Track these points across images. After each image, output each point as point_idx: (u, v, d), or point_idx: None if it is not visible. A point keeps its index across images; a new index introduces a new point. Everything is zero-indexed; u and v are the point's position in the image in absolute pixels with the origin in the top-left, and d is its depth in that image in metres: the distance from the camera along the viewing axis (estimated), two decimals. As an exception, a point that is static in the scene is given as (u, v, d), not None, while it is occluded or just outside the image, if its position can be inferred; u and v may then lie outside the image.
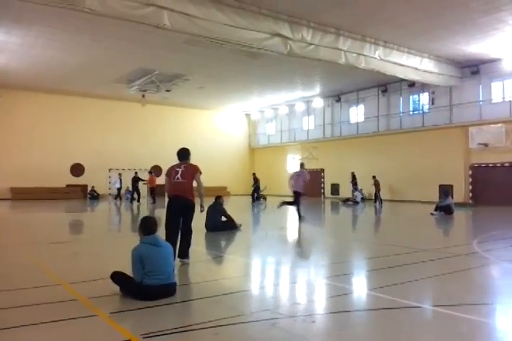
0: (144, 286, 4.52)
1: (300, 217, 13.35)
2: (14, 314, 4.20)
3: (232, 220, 10.75)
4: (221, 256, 7.73)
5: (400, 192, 24.26)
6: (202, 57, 19.20)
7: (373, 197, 22.79)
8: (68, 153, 27.61)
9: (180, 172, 6.51)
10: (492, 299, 4.83)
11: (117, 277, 4.74)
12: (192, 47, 17.25)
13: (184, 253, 6.57)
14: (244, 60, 19.08)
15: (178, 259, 6.31)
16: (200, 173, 6.65)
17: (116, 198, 25.83)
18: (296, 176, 13.79)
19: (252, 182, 26.14)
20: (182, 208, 6.45)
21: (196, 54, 18.68)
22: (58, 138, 27.56)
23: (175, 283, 4.76)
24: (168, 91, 24.71)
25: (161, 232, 5.37)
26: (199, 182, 6.64)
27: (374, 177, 22.90)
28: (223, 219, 10.68)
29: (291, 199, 14.09)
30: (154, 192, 22.72)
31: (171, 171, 6.62)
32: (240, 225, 10.82)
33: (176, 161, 6.82)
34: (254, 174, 26.85)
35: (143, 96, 25.22)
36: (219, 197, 11.07)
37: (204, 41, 13.85)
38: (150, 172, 24.02)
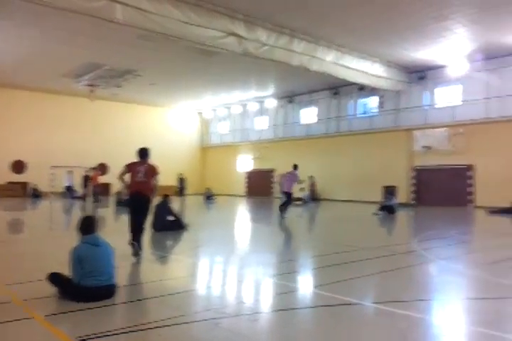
0: (83, 287, 4.37)
1: (282, 217, 13.73)
2: None
3: (180, 220, 10.61)
4: (167, 256, 7.61)
5: (347, 192, 24.88)
6: (155, 53, 18.87)
7: (313, 197, 24.15)
8: (9, 149, 26.31)
9: (143, 172, 6.95)
10: (429, 295, 5.03)
11: (55, 278, 4.55)
12: (145, 42, 16.91)
13: (137, 238, 7.04)
14: (198, 57, 18.91)
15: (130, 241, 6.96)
16: (158, 173, 7.13)
17: (74, 198, 24.40)
18: (288, 176, 14.01)
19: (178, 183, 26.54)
20: (143, 205, 6.98)
21: (149, 50, 18.34)
22: (1, 133, 26.20)
23: (114, 285, 4.62)
24: (118, 86, 24.11)
25: (107, 231, 5.22)
26: (157, 182, 7.13)
27: (311, 177, 24.19)
28: (171, 218, 10.52)
29: (283, 200, 14.23)
30: (97, 190, 21.78)
31: (134, 169, 6.98)
32: (188, 224, 10.69)
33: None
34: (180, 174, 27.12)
35: (92, 91, 24.44)
36: (166, 196, 10.87)
37: (158, 37, 13.64)
38: (94, 169, 22.98)
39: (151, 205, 7.17)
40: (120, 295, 4.63)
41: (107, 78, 22.84)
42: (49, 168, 26.40)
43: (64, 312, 4.07)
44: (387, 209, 15.67)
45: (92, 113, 29.00)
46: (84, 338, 3.38)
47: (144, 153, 7.21)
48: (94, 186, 21.97)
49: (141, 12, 12.04)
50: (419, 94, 22.37)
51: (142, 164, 7.06)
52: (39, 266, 6.18)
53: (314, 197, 24.26)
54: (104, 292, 4.47)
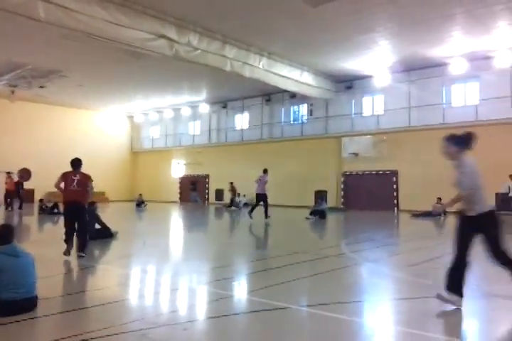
0: (2, 301, 4.04)
1: (267, 216, 15.74)
2: None
3: (107, 228, 10.17)
4: (93, 266, 7.25)
5: (279, 198, 25.23)
6: (81, 53, 18.09)
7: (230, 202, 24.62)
8: None
9: (76, 181, 7.52)
10: (358, 297, 5.17)
11: None
12: (70, 42, 16.14)
13: (82, 247, 7.56)
14: (127, 59, 18.33)
15: (76, 253, 7.48)
16: (92, 181, 7.73)
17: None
18: (260, 180, 16.18)
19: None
20: (76, 212, 7.58)
21: (75, 50, 17.54)
22: None
23: (35, 297, 4.32)
24: (42, 87, 22.87)
25: (31, 241, 4.85)
26: (91, 189, 7.78)
27: (231, 183, 25.09)
28: (97, 226, 10.07)
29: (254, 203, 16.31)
30: (11, 195, 20.26)
31: (67, 178, 7.55)
32: (117, 233, 10.29)
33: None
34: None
35: (12, 92, 22.98)
36: (93, 203, 10.39)
37: (82, 37, 13.06)
38: (8, 173, 21.38)
39: (85, 212, 7.74)
40: (43, 308, 4.33)
41: (29, 78, 21.57)
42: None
43: (-25, 330, 3.74)
44: (319, 214, 16.10)
45: (13, 115, 27.22)
46: (-2, 357, 3.12)
47: (76, 163, 7.73)
48: (9, 191, 20.41)
49: (66, 10, 11.48)
50: (347, 103, 23.28)
51: (75, 174, 7.60)
52: None
53: (233, 202, 24.31)
54: (25, 305, 4.16)
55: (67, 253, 7.47)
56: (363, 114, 23.03)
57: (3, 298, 4.05)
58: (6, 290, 4.08)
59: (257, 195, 16.28)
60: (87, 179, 7.63)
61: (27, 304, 4.20)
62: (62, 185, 7.59)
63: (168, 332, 3.83)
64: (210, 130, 29.87)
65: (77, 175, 7.56)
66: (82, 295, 5.10)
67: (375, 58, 19.10)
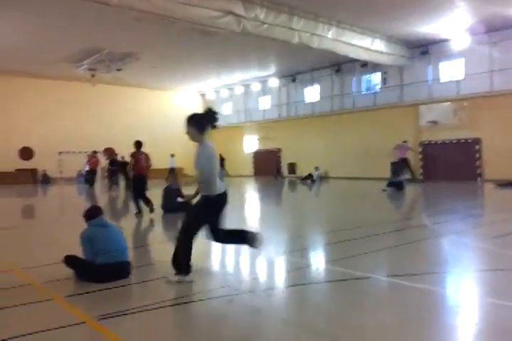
0: (98, 265, 4.45)
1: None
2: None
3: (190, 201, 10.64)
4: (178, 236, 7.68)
5: (354, 170, 24.85)
6: (153, 35, 18.65)
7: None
8: (16, 136, 26.39)
9: (144, 159, 9.94)
10: (441, 268, 5.06)
11: (70, 260, 4.64)
12: (142, 24, 16.68)
13: (151, 206, 10.02)
14: (197, 38, 18.65)
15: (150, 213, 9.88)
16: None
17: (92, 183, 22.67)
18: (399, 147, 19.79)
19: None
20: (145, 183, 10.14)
21: (147, 32, 18.12)
22: (6, 120, 26.27)
23: (128, 262, 4.70)
24: (119, 70, 23.93)
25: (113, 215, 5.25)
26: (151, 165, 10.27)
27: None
28: (180, 199, 10.57)
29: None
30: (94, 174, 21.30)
31: (139, 156, 9.88)
32: (197, 206, 10.74)
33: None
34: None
35: (93, 76, 24.32)
36: (175, 178, 10.96)
37: (155, 19, 13.44)
38: (94, 152, 22.67)
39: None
40: (134, 275, 4.71)
41: (107, 62, 22.67)
42: (56, 154, 26.57)
43: (82, 293, 4.16)
44: (396, 186, 15.69)
45: (95, 98, 28.93)
46: (105, 317, 3.47)
47: (139, 144, 10.05)
48: (89, 171, 21.69)
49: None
50: (422, 69, 22.09)
51: (142, 153, 9.98)
52: (53, 250, 6.29)
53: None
54: (119, 268, 4.56)
55: (151, 211, 9.85)
56: (441, 80, 21.76)
57: (98, 262, 4.46)
58: (100, 256, 4.49)
59: (398, 161, 18.94)
60: (148, 156, 10.09)
61: (122, 267, 4.59)
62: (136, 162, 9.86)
63: (253, 298, 4.01)
64: (280, 104, 29.78)
65: (143, 154, 9.94)
66: (169, 264, 5.44)
67: (452, 20, 17.81)
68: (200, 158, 4.32)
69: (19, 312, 3.71)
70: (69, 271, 4.63)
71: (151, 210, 9.83)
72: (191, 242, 4.48)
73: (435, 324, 3.32)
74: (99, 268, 4.44)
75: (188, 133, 4.41)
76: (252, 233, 4.76)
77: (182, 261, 4.46)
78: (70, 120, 28.42)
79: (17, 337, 3.13)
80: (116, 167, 20.42)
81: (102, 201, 15.18)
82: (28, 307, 3.79)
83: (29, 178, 26.56)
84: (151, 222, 9.37)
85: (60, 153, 26.79)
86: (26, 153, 27.09)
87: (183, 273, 4.44)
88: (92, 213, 4.87)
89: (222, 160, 27.36)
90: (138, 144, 10.02)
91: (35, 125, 27.12)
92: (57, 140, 27.37)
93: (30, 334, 3.17)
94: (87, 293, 4.16)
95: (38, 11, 15.55)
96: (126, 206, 13.26)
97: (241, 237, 4.76)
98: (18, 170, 26.72)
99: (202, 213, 4.47)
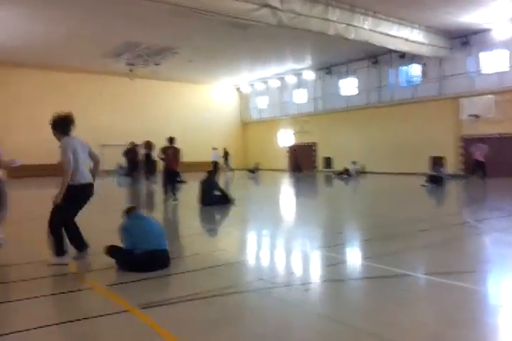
0: (137, 254, 4.61)
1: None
2: (14, 288, 4.26)
3: (226, 194, 10.78)
4: (216, 229, 7.81)
5: (391, 165, 24.39)
6: (190, 29, 18.80)
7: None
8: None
9: (171, 154, 11.11)
10: (483, 267, 4.93)
11: (111, 250, 4.81)
12: (179, 19, 16.83)
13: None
14: (233, 31, 18.66)
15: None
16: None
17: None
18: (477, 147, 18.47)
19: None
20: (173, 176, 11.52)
21: (184, 26, 18.28)
22: (48, 114, 26.85)
23: (166, 250, 4.86)
24: (156, 65, 24.27)
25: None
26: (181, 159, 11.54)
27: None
28: (217, 193, 10.71)
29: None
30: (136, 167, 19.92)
31: (167, 151, 11.11)
32: (235, 199, 10.85)
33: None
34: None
35: (131, 70, 24.78)
36: (212, 172, 11.09)
37: (190, 12, 13.52)
38: (134, 144, 21.24)
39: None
40: (174, 266, 4.82)
41: (145, 57, 23.05)
42: (98, 147, 27.24)
43: (124, 283, 4.30)
44: (436, 181, 15.33)
45: (134, 92, 29.49)
46: (147, 306, 3.57)
47: (170, 140, 11.43)
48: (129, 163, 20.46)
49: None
50: (463, 60, 21.34)
51: (170, 148, 11.25)
52: (96, 240, 6.50)
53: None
54: (158, 256, 4.71)
55: (176, 200, 11.09)
56: (483, 72, 20.98)
57: (140, 249, 4.63)
58: (138, 245, 4.68)
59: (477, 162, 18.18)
60: (178, 151, 11.29)
61: (160, 255, 4.74)
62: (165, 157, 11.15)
63: (290, 292, 4.04)
64: (315, 97, 29.50)
65: (171, 149, 11.14)
66: (208, 255, 5.53)
67: (495, 9, 17.06)
68: (60, 151, 5.07)
69: (62, 299, 3.88)
70: (111, 261, 4.79)
71: (173, 200, 11.19)
72: (59, 228, 5.02)
73: (476, 324, 3.25)
74: (138, 256, 4.60)
75: (53, 133, 5.26)
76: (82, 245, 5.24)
77: (54, 245, 5.01)
78: (110, 113, 29.10)
79: (57, 324, 3.27)
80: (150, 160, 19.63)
81: (141, 194, 15.55)
82: (70, 295, 3.95)
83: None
84: (188, 214, 9.54)
85: (102, 145, 27.48)
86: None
87: (58, 256, 4.98)
88: (129, 210, 5.15)
89: (226, 154, 27.84)
90: (170, 140, 11.38)
91: (77, 118, 27.82)
92: (99, 133, 28.07)
93: (72, 321, 3.31)
94: (129, 282, 4.29)
95: (80, 6, 15.94)
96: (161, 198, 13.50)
97: (72, 242, 5.24)
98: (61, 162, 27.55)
99: (66, 201, 4.89)
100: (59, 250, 4.99)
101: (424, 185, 15.28)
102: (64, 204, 4.89)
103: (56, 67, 26.59)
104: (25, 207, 11.25)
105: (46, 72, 26.93)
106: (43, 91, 26.94)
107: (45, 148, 15.94)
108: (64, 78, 27.67)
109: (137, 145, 21.01)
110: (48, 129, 5.38)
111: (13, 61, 24.68)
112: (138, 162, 20.18)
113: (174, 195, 11.26)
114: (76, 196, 5.02)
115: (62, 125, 5.29)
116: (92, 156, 5.42)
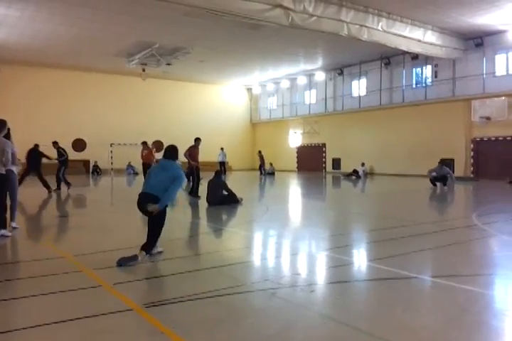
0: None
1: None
2: (22, 285, 4.31)
3: (234, 194, 10.79)
4: (222, 229, 7.82)
5: (402, 166, 24.24)
6: (202, 29, 18.86)
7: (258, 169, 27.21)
8: (70, 128, 27.46)
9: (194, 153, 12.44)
10: (490, 270, 4.89)
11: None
12: (192, 19, 16.92)
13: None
14: (245, 32, 18.72)
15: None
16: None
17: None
18: None
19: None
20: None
21: (196, 26, 18.35)
22: (59, 113, 27.43)
23: (147, 193, 5.21)
24: (168, 64, 24.39)
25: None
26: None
27: (259, 152, 27.36)
28: (224, 193, 10.73)
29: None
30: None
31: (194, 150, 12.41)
32: (241, 199, 10.87)
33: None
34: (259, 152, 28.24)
35: (143, 70, 24.90)
36: (219, 172, 11.10)
37: (204, 13, 13.58)
38: (144, 144, 18.82)
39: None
40: (180, 266, 4.84)
41: (157, 56, 23.16)
42: (108, 146, 27.47)
43: (130, 281, 4.32)
44: (441, 181, 15.49)
45: (145, 91, 29.66)
46: (151, 305, 3.59)
47: (195, 140, 12.68)
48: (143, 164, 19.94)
49: (188, -12, 12.03)
50: (476, 62, 21.12)
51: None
52: (103, 238, 6.56)
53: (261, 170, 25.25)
54: (139, 196, 5.23)
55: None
56: (496, 74, 20.75)
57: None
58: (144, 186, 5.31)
59: None
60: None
61: (139, 195, 5.25)
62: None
63: (295, 293, 4.03)
64: (326, 98, 29.41)
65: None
66: (214, 255, 5.55)
67: (509, 10, 16.87)
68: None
69: (68, 296, 3.90)
70: (116, 259, 4.80)
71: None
72: None
73: (481, 327, 3.22)
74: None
75: None
76: None
77: None
78: (121, 113, 29.31)
79: (64, 321, 3.30)
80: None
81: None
82: (76, 292, 3.98)
83: (81, 169, 27.67)
84: (195, 213, 9.56)
85: (112, 144, 27.69)
86: (79, 145, 28.15)
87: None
88: (164, 153, 5.52)
89: (262, 158, 27.67)
90: (195, 140, 12.56)
91: (87, 117, 28.15)
92: (109, 132, 28.31)
93: (78, 319, 3.33)
94: (135, 280, 4.32)
95: (93, 6, 16.08)
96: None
97: None
98: (71, 160, 27.79)
99: None
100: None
101: (434, 184, 15.32)
102: None
103: (67, 67, 26.84)
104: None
105: (59, 71, 27.20)
106: (49, 90, 27.20)
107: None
108: (76, 77, 27.92)
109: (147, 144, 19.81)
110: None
111: (21, 60, 24.93)
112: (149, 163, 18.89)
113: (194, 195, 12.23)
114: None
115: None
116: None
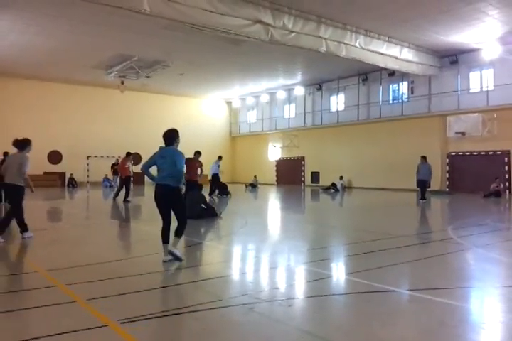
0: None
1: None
2: (-11, 301, 4.16)
3: (212, 208, 10.73)
4: (200, 243, 7.74)
5: (379, 180, 24.56)
6: (182, 43, 18.95)
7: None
8: (45, 139, 27.02)
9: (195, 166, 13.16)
10: (466, 283, 4.95)
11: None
12: (172, 32, 17.00)
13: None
14: (225, 46, 18.88)
15: None
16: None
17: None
18: None
19: None
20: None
21: (176, 40, 18.43)
22: (35, 124, 26.98)
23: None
24: (148, 77, 24.38)
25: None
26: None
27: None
28: (203, 206, 10.65)
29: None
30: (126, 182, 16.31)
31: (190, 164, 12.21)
32: (220, 213, 10.81)
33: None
34: None
35: (122, 82, 24.82)
36: (198, 185, 11.04)
37: (184, 27, 13.65)
38: (128, 155, 17.41)
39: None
40: (156, 281, 4.75)
41: (136, 69, 23.12)
42: (84, 158, 27.10)
43: (105, 296, 4.22)
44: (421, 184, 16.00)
45: (123, 104, 29.50)
46: (125, 321, 3.51)
47: (195, 153, 13.48)
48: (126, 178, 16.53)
49: (167, 2, 12.06)
50: (451, 79, 21.75)
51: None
52: (78, 253, 6.41)
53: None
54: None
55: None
56: (471, 90, 21.37)
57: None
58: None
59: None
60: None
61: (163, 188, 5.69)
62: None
63: (273, 307, 4.00)
64: (305, 113, 29.75)
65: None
66: (192, 270, 5.48)
67: (483, 29, 17.48)
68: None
69: (41, 313, 3.78)
70: (93, 275, 4.70)
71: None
72: None
73: (459, 340, 3.24)
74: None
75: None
76: None
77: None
78: (98, 125, 29.02)
79: (37, 338, 3.19)
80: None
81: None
82: (50, 308, 3.86)
83: (56, 182, 27.17)
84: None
85: (88, 157, 27.33)
86: (54, 157, 27.74)
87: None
88: (164, 140, 5.90)
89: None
90: (195, 153, 13.42)
91: (63, 129, 27.77)
92: (85, 144, 27.97)
93: (51, 335, 3.23)
94: (110, 296, 4.22)
95: (71, 17, 16.00)
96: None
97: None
98: (46, 173, 27.35)
99: None
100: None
101: (423, 200, 15.57)
102: None
103: (44, 78, 26.56)
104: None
105: (36, 82, 26.86)
106: (25, 101, 26.80)
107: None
108: (53, 89, 27.61)
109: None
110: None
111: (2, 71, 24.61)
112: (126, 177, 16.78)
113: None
114: None
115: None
116: None
